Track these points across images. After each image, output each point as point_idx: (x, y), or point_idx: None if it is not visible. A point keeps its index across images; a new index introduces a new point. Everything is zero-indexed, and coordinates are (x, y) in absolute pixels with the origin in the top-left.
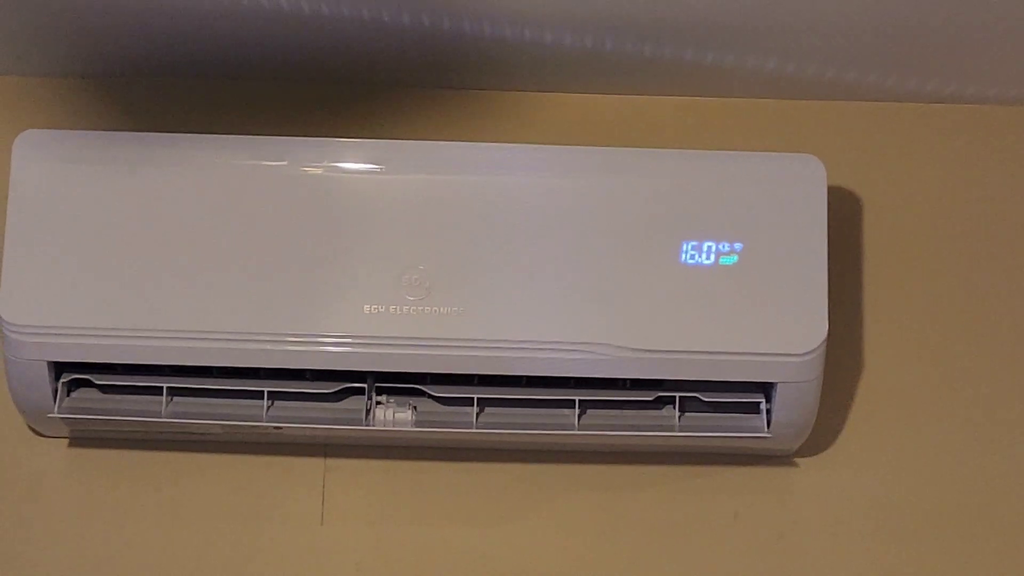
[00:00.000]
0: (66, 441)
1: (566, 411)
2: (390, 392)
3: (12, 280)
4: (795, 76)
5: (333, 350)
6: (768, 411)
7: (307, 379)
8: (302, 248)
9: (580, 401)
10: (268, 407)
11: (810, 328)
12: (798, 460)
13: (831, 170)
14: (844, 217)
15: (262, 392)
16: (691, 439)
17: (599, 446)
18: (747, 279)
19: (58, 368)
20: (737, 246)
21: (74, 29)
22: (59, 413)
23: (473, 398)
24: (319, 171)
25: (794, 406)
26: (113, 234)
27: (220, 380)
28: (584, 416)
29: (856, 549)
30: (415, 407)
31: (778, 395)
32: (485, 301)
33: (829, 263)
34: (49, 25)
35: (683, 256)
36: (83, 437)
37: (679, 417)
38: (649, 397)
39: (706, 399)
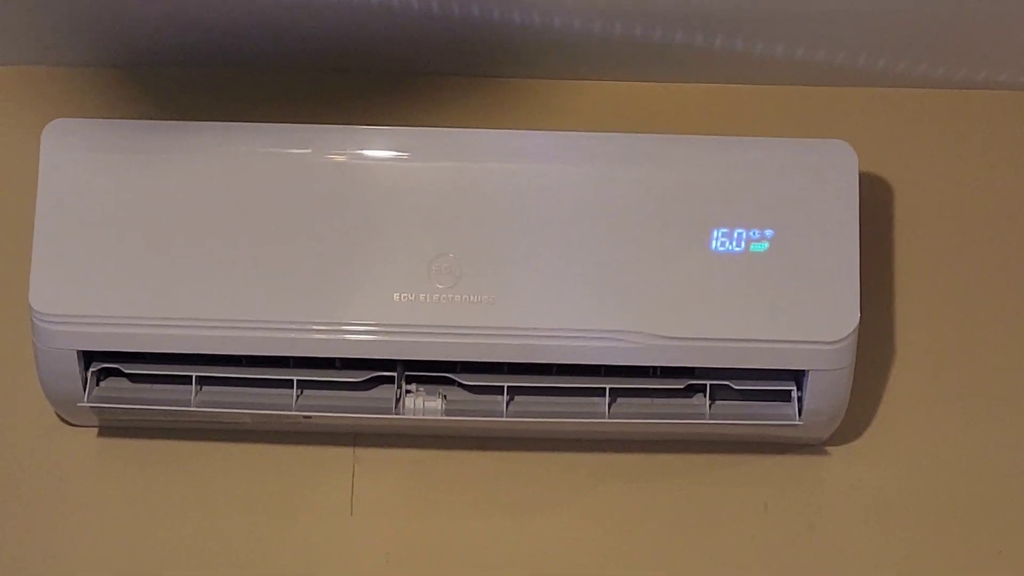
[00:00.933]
0: (95, 430)
1: (596, 399)
2: (420, 381)
3: (41, 269)
4: (825, 63)
5: (362, 338)
6: (799, 399)
7: (336, 368)
8: (330, 236)
9: (610, 389)
10: (297, 396)
11: (842, 315)
12: (829, 449)
13: (862, 157)
14: (875, 204)
15: (291, 381)
16: (722, 427)
17: (629, 434)
18: (778, 266)
19: (87, 357)
20: (768, 233)
21: (102, 20)
22: (88, 402)
23: (503, 386)
24: (344, 159)
25: (825, 394)
26: (141, 223)
27: (249, 369)
28: (614, 404)
29: (887, 539)
30: (445, 396)
31: (809, 383)
32: (514, 289)
33: (861, 250)
34: (77, 16)
35: (713, 243)
36: (112, 426)
37: (709, 405)
38: (679, 385)
39: (737, 387)
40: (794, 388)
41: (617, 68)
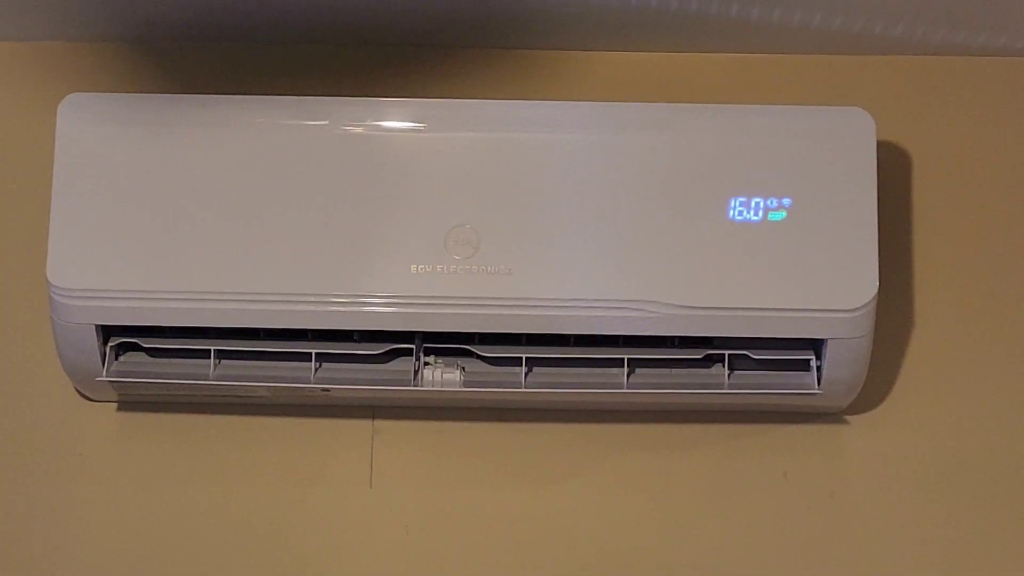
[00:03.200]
0: (114, 405)
1: (615, 370)
2: (438, 353)
3: (59, 244)
4: (843, 31)
5: (380, 310)
6: (818, 368)
7: (355, 340)
8: (347, 208)
9: (629, 360)
10: (316, 369)
11: (860, 283)
12: (848, 418)
13: (880, 125)
14: (893, 172)
15: (310, 354)
16: (741, 397)
17: (648, 405)
18: (796, 235)
19: (106, 332)
20: (786, 202)
21: None
22: (107, 377)
23: (521, 358)
24: (361, 130)
25: (844, 362)
26: (158, 196)
27: (267, 342)
28: (633, 375)
29: (906, 508)
30: (463, 367)
31: (828, 352)
32: (532, 259)
33: (879, 218)
34: None
35: (731, 212)
36: (131, 401)
37: (728, 375)
38: (698, 355)
39: (756, 356)
40: (813, 357)
41: (633, 38)
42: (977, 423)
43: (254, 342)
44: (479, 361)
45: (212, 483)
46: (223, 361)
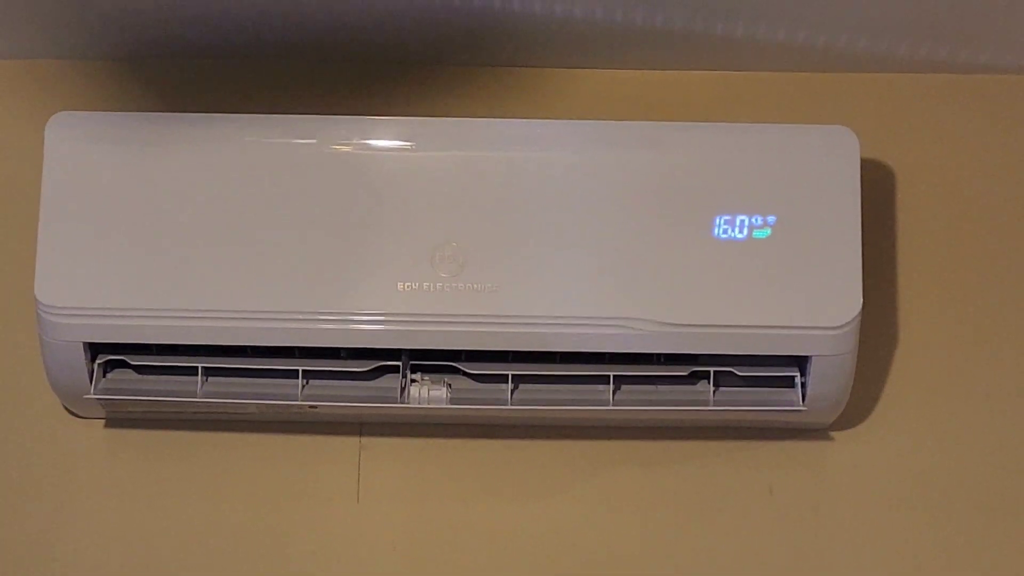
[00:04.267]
0: (102, 422)
1: (600, 387)
2: (424, 370)
3: (47, 261)
4: (826, 48)
5: (367, 328)
6: (803, 384)
7: (341, 358)
8: (334, 226)
9: (614, 377)
10: (303, 386)
11: (844, 301)
12: (833, 434)
13: (864, 142)
14: (877, 189)
15: (297, 371)
16: (726, 413)
17: (634, 421)
18: (781, 252)
19: (94, 349)
20: (770, 219)
21: (105, 12)
22: (95, 394)
23: (507, 375)
24: (349, 149)
25: (829, 379)
26: (146, 214)
27: (255, 359)
28: (619, 392)
29: (891, 523)
30: (450, 384)
31: (813, 368)
32: (518, 277)
33: (863, 235)
34: (80, 9)
35: (716, 230)
36: (119, 418)
37: (714, 392)
38: (684, 372)
39: (741, 373)
40: (798, 374)
41: (618, 56)
42: (961, 439)
43: (241, 359)
44: (465, 378)
45: (200, 499)
46: (210, 378)
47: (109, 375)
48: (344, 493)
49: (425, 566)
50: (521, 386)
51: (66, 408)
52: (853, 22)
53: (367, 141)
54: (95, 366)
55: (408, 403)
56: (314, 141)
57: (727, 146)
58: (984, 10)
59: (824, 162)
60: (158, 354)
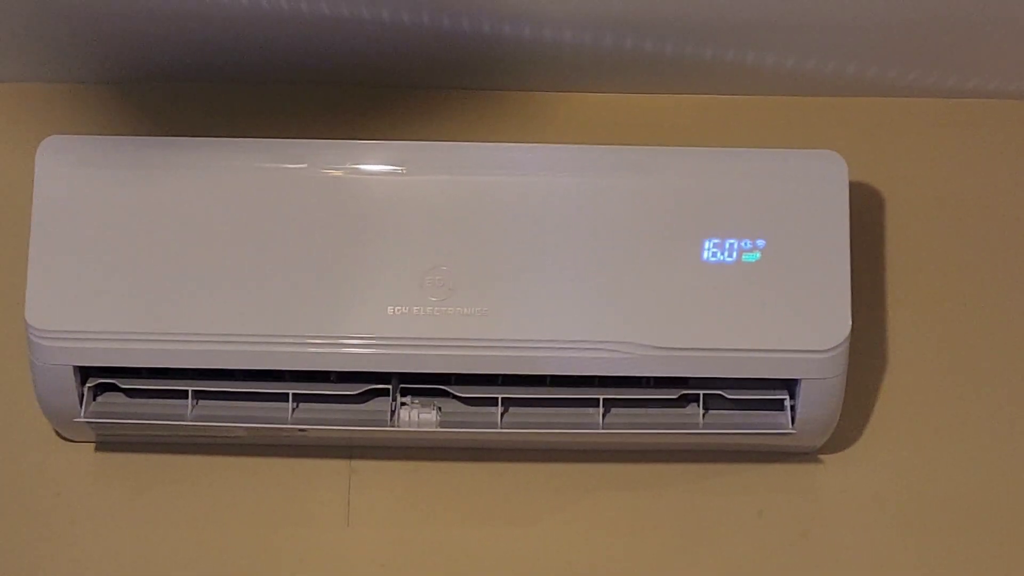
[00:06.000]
0: (92, 445)
1: (590, 410)
2: (414, 393)
3: (37, 285)
4: (815, 73)
5: (357, 352)
6: (792, 407)
7: (331, 381)
8: (324, 250)
9: (604, 400)
10: (293, 409)
11: (833, 324)
12: (822, 457)
13: (852, 166)
14: (866, 213)
15: (287, 395)
16: (715, 437)
17: (623, 445)
18: (770, 276)
19: (84, 373)
20: (759, 243)
21: (96, 36)
22: (85, 418)
23: (497, 398)
24: (339, 173)
25: (818, 402)
26: (137, 238)
27: (245, 383)
28: (608, 415)
29: (881, 546)
30: (440, 408)
31: (802, 391)
32: (508, 301)
33: (851, 259)
34: (72, 33)
35: (705, 254)
36: (109, 441)
37: (703, 415)
38: (673, 395)
39: (730, 396)
40: (787, 397)
41: (609, 80)
42: (950, 462)
43: (231, 383)
44: (455, 401)
45: (190, 523)
46: (201, 402)
47: (99, 398)
48: (334, 516)
49: None
50: (511, 409)
51: (56, 432)
52: (842, 47)
53: (358, 165)
54: (85, 389)
55: (398, 426)
56: (305, 165)
57: (716, 170)
58: (973, 36)
59: (813, 186)
60: (148, 377)
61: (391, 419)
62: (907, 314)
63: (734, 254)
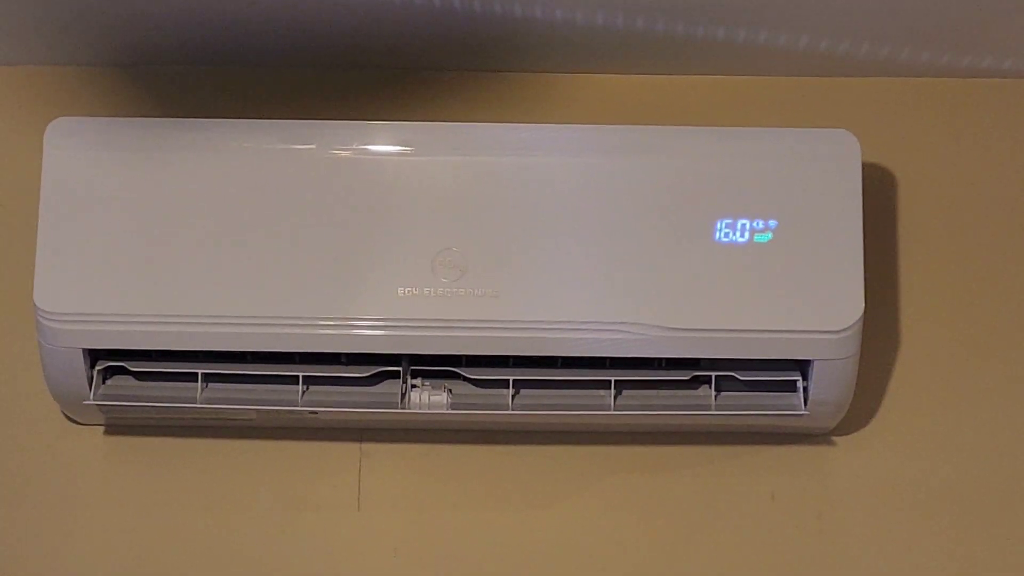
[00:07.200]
0: (102, 428)
1: (602, 392)
2: (425, 375)
3: (46, 268)
4: (828, 53)
5: (367, 333)
6: (805, 389)
7: (342, 363)
8: (334, 231)
9: (616, 381)
10: (303, 392)
11: (846, 304)
12: (835, 439)
13: (865, 147)
14: (879, 193)
15: (297, 377)
16: (728, 418)
17: (635, 427)
18: (782, 256)
19: (93, 355)
20: (771, 223)
21: (104, 19)
22: (95, 400)
23: (508, 380)
24: (348, 154)
25: (831, 383)
26: (145, 220)
27: (255, 365)
28: (620, 396)
29: (894, 528)
30: (450, 390)
31: (815, 373)
32: (519, 282)
33: (864, 239)
34: (80, 15)
35: (717, 234)
36: (118, 424)
37: (715, 396)
38: (685, 376)
39: (742, 378)
40: (800, 378)
41: (619, 61)
42: (964, 443)
43: (241, 365)
44: (466, 383)
45: (199, 506)
46: (210, 384)
47: (109, 381)
48: (345, 499)
49: (426, 573)
50: (522, 391)
51: (65, 414)
52: (855, 27)
53: (367, 146)
54: (95, 372)
55: (409, 409)
56: (314, 146)
57: (729, 150)
58: (986, 15)
59: (825, 166)
60: (158, 360)
61: (401, 401)
62: (920, 294)
63: (746, 234)
